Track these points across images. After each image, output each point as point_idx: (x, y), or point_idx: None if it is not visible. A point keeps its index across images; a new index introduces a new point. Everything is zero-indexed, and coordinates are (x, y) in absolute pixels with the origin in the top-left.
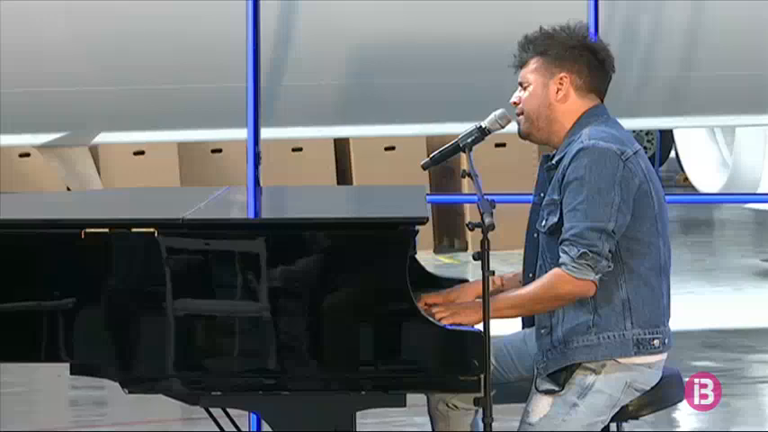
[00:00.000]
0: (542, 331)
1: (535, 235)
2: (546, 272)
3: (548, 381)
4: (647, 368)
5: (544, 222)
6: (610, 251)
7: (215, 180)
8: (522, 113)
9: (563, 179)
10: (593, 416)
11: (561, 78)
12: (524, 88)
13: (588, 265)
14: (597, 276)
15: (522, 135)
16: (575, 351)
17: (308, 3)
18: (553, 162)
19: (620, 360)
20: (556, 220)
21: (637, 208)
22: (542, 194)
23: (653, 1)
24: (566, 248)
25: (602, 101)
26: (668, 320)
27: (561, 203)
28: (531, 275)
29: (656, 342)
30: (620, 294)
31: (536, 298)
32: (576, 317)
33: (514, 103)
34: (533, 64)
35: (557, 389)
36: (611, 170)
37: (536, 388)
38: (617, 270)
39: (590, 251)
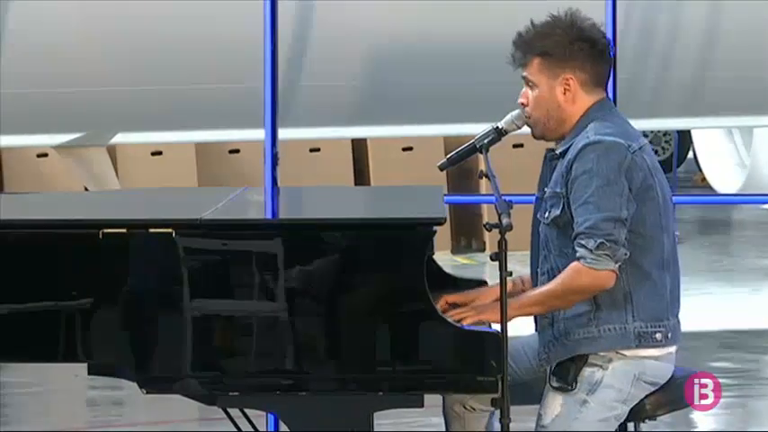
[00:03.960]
0: (544, 323)
1: (539, 228)
2: (549, 263)
3: (558, 379)
4: (653, 360)
5: (547, 214)
6: (625, 239)
7: (232, 180)
8: (530, 117)
9: (568, 173)
10: (604, 411)
11: (567, 80)
12: (531, 87)
13: (607, 254)
14: (617, 265)
15: (537, 137)
16: (575, 343)
17: (326, 3)
18: (556, 152)
19: (624, 353)
20: (559, 212)
21: (640, 202)
22: (545, 188)
23: (671, 1)
24: (582, 241)
25: (605, 89)
26: (674, 315)
27: (566, 197)
28: (536, 268)
29: (658, 336)
30: (621, 288)
31: (556, 293)
32: (576, 308)
33: (522, 103)
34: (536, 65)
35: (568, 387)
36: (618, 160)
37: (550, 384)
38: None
39: (607, 241)
